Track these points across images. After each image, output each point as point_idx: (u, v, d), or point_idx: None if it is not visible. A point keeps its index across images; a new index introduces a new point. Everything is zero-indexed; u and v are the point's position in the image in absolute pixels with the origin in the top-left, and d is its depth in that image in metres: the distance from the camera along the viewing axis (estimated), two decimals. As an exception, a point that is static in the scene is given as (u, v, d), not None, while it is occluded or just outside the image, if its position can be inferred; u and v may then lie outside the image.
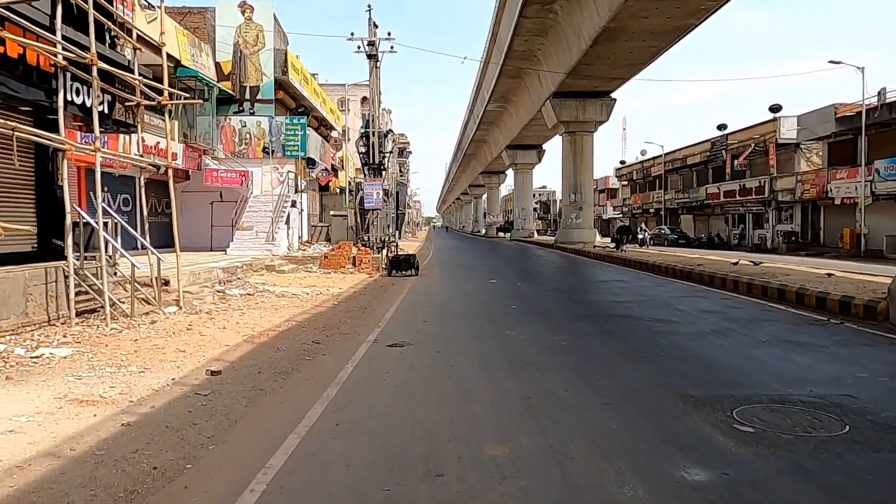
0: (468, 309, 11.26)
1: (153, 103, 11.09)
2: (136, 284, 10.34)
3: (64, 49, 8.41)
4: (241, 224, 21.10)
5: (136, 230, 20.80)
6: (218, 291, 13.03)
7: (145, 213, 11.27)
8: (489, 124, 55.35)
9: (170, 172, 11.12)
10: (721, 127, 41.83)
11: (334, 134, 36.45)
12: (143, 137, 17.83)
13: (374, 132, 21.12)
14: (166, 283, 11.59)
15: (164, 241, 22.72)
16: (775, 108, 34.94)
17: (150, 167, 13.36)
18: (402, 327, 9.25)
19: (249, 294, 13.06)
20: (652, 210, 53.71)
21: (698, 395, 5.28)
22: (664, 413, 4.87)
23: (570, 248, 32.40)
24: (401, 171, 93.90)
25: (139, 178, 11.19)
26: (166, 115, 11.11)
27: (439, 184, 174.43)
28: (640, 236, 35.39)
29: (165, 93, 10.93)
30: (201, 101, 11.27)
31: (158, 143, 18.70)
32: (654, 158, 54.02)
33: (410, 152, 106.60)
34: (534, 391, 5.53)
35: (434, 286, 15.67)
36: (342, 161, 35.79)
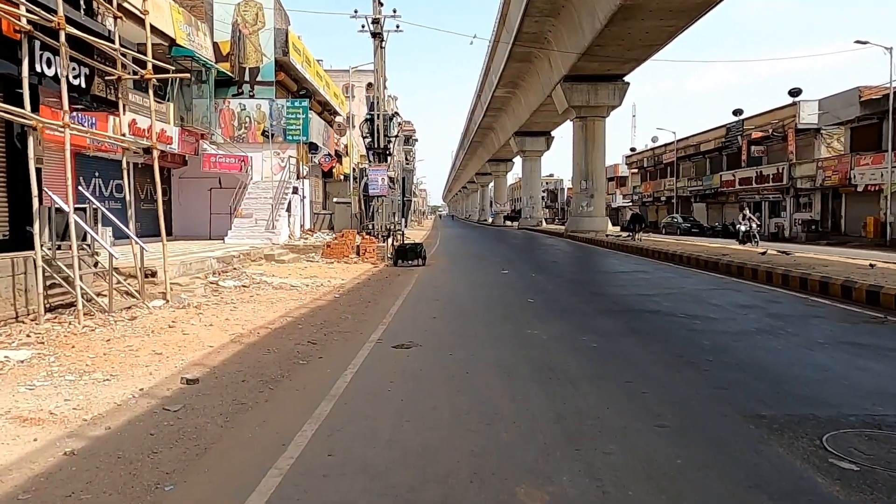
0: (481, 303, 10.33)
1: (135, 77, 10.12)
2: (117, 276, 9.47)
3: (28, 11, 7.46)
4: (240, 211, 20.18)
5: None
6: (211, 283, 12.14)
7: (129, 198, 10.30)
8: (497, 110, 54.19)
9: (154, 153, 10.18)
10: (737, 112, 40.54)
11: (339, 119, 35.41)
12: (134, 119, 16.99)
13: (378, 115, 20.11)
14: (153, 274, 10.71)
15: (158, 229, 21.89)
16: (795, 92, 33.65)
17: (137, 149, 12.45)
18: (409, 324, 8.33)
19: (244, 286, 12.16)
20: (663, 198, 52.54)
21: (771, 416, 4.33)
22: (736, 440, 3.93)
23: (582, 236, 31.39)
24: (406, 158, 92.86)
25: (123, 161, 10.23)
26: (150, 91, 10.12)
27: (445, 173, 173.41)
28: (741, 227, 24.47)
29: (149, 65, 9.95)
30: (188, 74, 10.30)
31: (152, 125, 17.77)
32: (665, 145, 52.76)
33: (416, 140, 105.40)
34: (568, 408, 4.59)
35: (443, 277, 14.74)
36: (347, 148, 34.78)
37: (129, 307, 9.01)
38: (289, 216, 20.81)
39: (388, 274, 15.40)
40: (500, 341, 7.09)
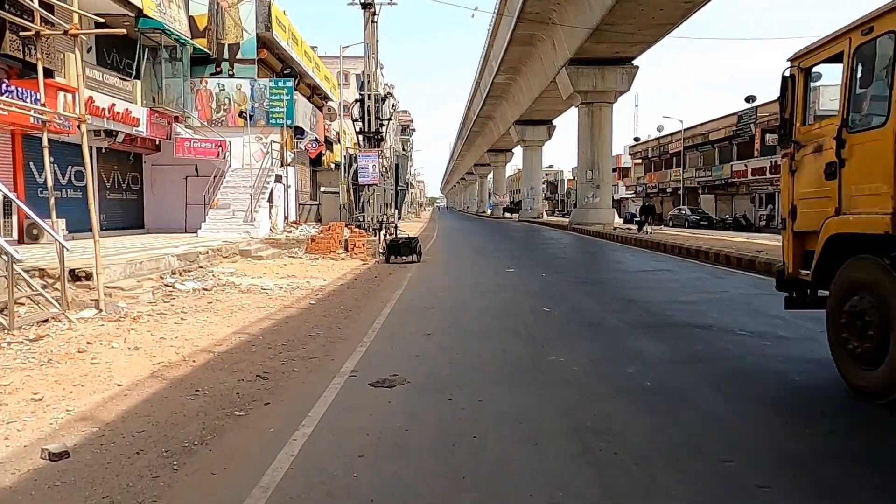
0: (486, 313, 8.47)
1: (57, 32, 8.16)
2: (32, 282, 7.62)
3: None
4: (216, 202, 18.25)
5: (91, 207, 18.07)
6: (166, 286, 10.27)
7: (51, 182, 8.37)
8: (497, 98, 52.17)
9: (83, 128, 8.16)
10: (749, 99, 38.65)
11: (332, 105, 33.40)
12: (91, 97, 15.07)
13: (369, 95, 18.18)
14: (88, 276, 8.82)
15: (130, 221, 19.94)
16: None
17: (60, 124, 10.55)
18: (396, 345, 6.49)
19: (206, 289, 10.30)
20: (669, 189, 50.70)
21: None
22: None
23: (589, 229, 29.52)
24: (404, 148, 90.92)
25: (44, 138, 8.28)
26: (77, 51, 8.06)
27: (444, 164, 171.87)
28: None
29: (74, 17, 7.96)
30: (123, 31, 8.39)
31: (114, 104, 15.88)
32: (671, 135, 50.85)
33: (414, 130, 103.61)
34: (648, 525, 2.75)
35: (440, 277, 12.89)
36: (339, 135, 32.81)
37: (46, 320, 7.16)
38: (270, 207, 18.91)
39: (377, 273, 13.55)
40: (515, 375, 5.25)
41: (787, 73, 5.53)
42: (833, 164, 4.71)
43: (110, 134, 16.34)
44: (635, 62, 32.09)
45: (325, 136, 27.76)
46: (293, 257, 16.15)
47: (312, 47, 35.08)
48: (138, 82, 17.29)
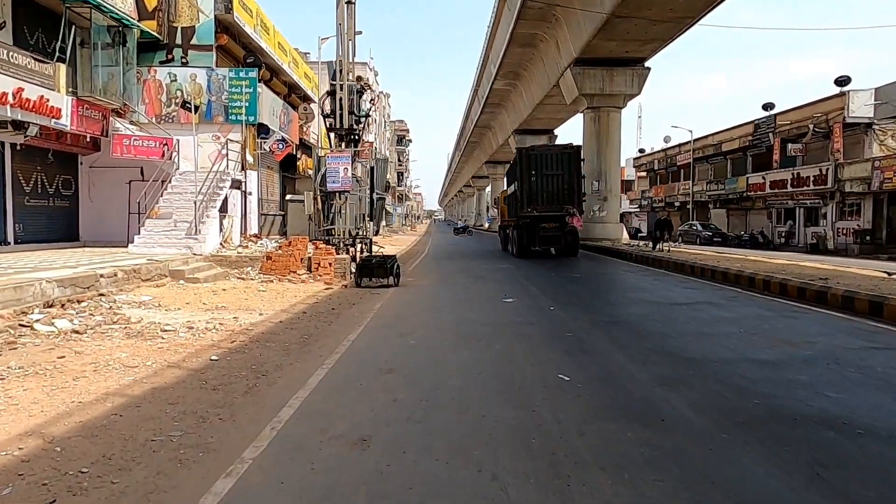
0: (473, 384, 5.47)
1: None
2: None
3: None
4: (156, 210, 15.26)
5: (2, 217, 15.04)
6: (21, 326, 7.27)
7: None
8: (496, 106, 49.53)
9: None
10: (767, 106, 35.86)
11: (313, 107, 30.54)
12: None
13: (342, 85, 15.27)
14: None
15: (58, 232, 16.80)
16: (842, 81, 29.00)
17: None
18: (294, 475, 3.50)
19: (77, 332, 7.29)
20: (677, 203, 47.81)
21: None
22: None
23: (596, 245, 26.58)
24: (399, 159, 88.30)
25: None
26: None
27: (442, 177, 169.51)
28: None
29: None
30: None
31: (22, 89, 12.97)
32: (679, 146, 48.07)
33: (410, 140, 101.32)
34: None
35: (417, 311, 9.91)
36: (319, 138, 29.93)
37: None
38: (223, 217, 15.92)
39: (339, 302, 10.57)
40: None
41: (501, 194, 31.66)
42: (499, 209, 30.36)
43: (19, 126, 13.41)
44: (647, 63, 29.38)
45: (302, 139, 24.85)
46: (242, 279, 13.18)
47: (304, 53, 32.43)
48: (62, 66, 14.40)
